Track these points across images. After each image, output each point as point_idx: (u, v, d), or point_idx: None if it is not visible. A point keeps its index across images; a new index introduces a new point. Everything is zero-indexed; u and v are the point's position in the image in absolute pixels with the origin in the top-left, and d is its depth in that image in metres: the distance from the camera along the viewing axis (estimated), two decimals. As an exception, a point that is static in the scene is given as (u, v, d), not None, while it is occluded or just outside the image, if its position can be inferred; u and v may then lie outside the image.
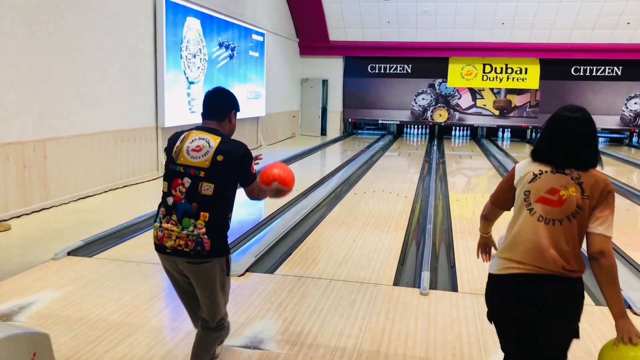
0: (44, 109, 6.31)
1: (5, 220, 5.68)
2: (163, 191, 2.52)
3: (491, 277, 2.24)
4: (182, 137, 2.53)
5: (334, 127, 17.51)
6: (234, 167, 2.45)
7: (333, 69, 17.36)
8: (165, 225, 2.46)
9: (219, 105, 2.61)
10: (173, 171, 2.48)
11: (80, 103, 6.92)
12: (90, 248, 4.92)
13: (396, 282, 4.32)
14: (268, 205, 6.95)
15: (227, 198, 2.50)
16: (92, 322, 3.45)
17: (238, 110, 2.68)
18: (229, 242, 2.58)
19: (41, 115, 6.27)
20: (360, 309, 3.76)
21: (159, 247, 2.50)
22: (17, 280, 4.12)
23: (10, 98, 5.81)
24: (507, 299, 2.18)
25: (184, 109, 9.32)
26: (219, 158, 2.42)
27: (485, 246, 2.58)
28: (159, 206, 2.54)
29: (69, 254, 4.71)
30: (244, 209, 6.53)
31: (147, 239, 5.40)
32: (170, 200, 2.47)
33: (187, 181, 2.43)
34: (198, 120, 2.70)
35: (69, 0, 6.59)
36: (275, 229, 5.80)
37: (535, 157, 2.18)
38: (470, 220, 6.49)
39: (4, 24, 5.67)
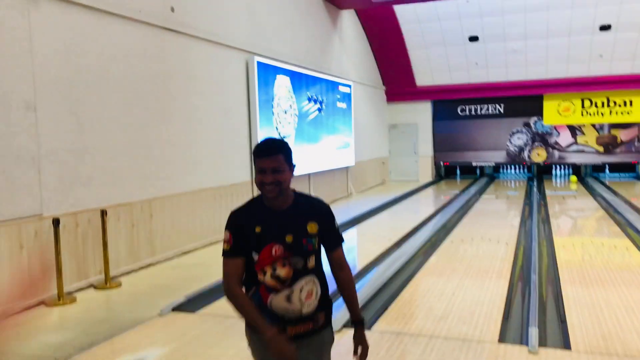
0: (150, 171, 6.77)
1: (117, 277, 6.07)
2: None
3: None
4: None
5: (425, 171, 17.26)
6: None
7: (421, 113, 17.27)
8: None
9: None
10: None
11: (182, 163, 7.37)
12: (193, 304, 5.08)
13: (501, 339, 4.06)
14: (361, 257, 6.89)
15: None
16: (195, 380, 3.52)
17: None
18: None
19: (147, 176, 6.73)
20: (464, 369, 3.55)
21: None
22: (127, 336, 4.33)
23: (119, 163, 6.30)
24: None
25: (276, 162, 9.60)
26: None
27: None
28: None
29: (173, 309, 4.90)
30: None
31: (245, 293, 5.51)
32: None
33: None
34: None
35: (171, 70, 7.15)
36: (370, 281, 5.70)
37: None
38: (579, 267, 6.03)
39: (116, 95, 6.22)
